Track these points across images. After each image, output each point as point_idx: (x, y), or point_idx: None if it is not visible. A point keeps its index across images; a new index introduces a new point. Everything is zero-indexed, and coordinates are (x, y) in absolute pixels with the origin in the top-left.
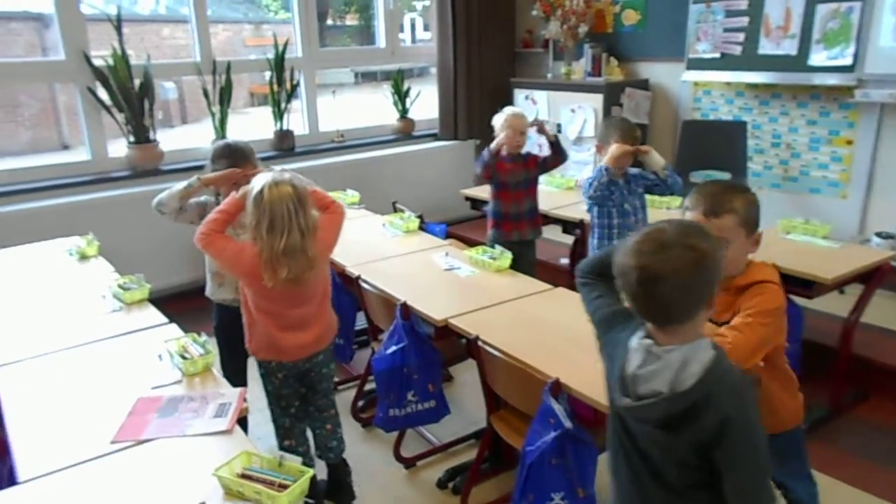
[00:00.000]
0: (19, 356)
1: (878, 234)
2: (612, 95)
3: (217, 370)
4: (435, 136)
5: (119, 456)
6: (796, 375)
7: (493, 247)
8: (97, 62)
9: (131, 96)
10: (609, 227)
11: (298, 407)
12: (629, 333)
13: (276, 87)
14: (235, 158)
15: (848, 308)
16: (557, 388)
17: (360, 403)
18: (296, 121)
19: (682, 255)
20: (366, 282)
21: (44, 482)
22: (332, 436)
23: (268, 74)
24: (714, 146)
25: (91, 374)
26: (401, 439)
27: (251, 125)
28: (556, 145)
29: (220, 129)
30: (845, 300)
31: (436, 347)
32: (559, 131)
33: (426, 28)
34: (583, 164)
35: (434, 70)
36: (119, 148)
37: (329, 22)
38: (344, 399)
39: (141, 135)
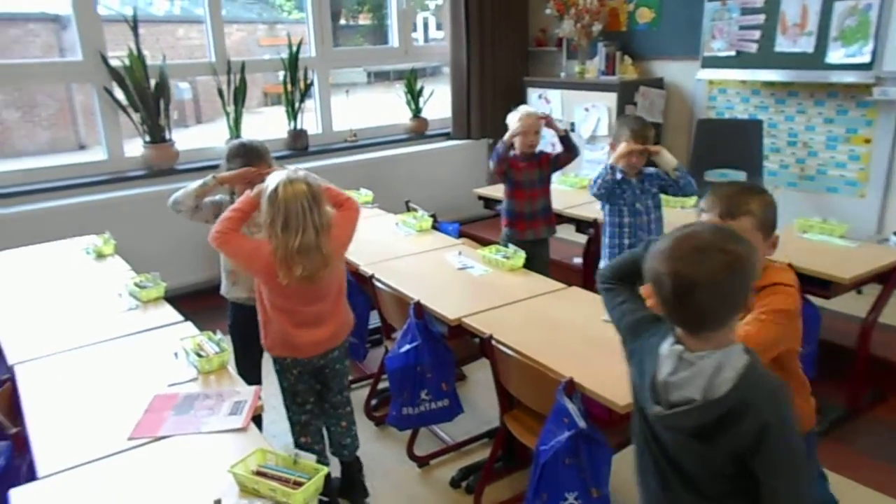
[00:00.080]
0: (38, 353)
1: None
2: (626, 94)
3: (232, 368)
4: (448, 136)
5: (136, 452)
6: (813, 376)
7: (506, 246)
8: (114, 63)
9: (147, 96)
10: (620, 226)
11: (314, 404)
12: (658, 339)
13: (289, 87)
14: (250, 157)
15: (865, 308)
16: (571, 388)
17: (374, 402)
18: (309, 120)
19: (719, 261)
20: (379, 281)
21: (62, 478)
22: (346, 433)
23: (281, 74)
24: (729, 145)
25: (108, 372)
26: (414, 438)
27: (265, 125)
28: (566, 140)
29: (235, 129)
30: (863, 300)
31: (449, 346)
32: (572, 130)
33: (439, 27)
34: (596, 164)
35: (447, 69)
36: (135, 147)
37: (342, 22)
38: (357, 397)
39: (157, 134)
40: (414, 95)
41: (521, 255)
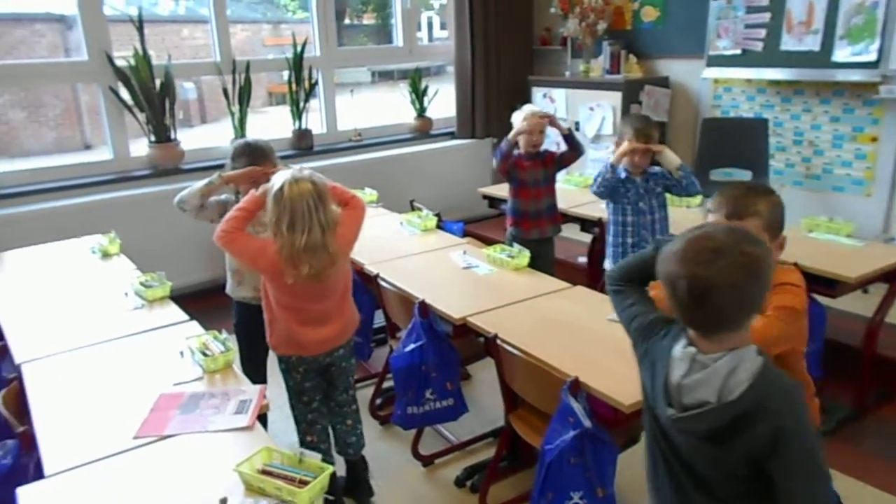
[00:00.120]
0: (45, 352)
1: None
2: (631, 93)
3: (237, 367)
4: (452, 135)
5: (142, 451)
6: (819, 375)
7: (511, 245)
8: (119, 63)
9: (152, 96)
10: (623, 225)
11: (320, 402)
12: (670, 341)
13: (294, 87)
14: (255, 156)
15: (872, 308)
16: (576, 387)
17: (378, 401)
18: (314, 120)
19: (736, 263)
20: (384, 280)
21: (69, 476)
22: (352, 431)
23: (286, 74)
24: (735, 144)
25: (114, 370)
26: (419, 437)
27: (270, 124)
28: (570, 138)
29: (240, 129)
30: (869, 300)
31: (454, 346)
32: (577, 129)
33: (443, 26)
34: (601, 163)
35: (451, 68)
36: (140, 147)
37: (346, 21)
38: (362, 397)
39: (162, 134)
40: (418, 95)
41: (526, 255)
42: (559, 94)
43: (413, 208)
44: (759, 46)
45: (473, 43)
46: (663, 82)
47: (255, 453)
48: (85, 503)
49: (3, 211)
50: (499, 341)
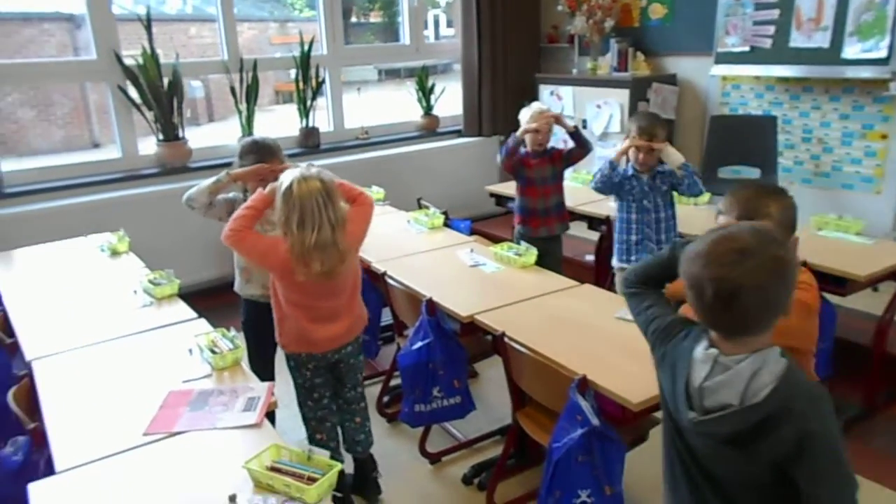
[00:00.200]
0: (55, 349)
1: None
2: (639, 90)
3: (245, 365)
4: (459, 133)
5: (151, 448)
6: (829, 374)
7: (518, 243)
8: (127, 61)
9: (160, 95)
10: (628, 222)
11: (330, 399)
12: (691, 343)
13: (301, 85)
14: (263, 154)
15: (882, 306)
16: (584, 385)
17: (386, 399)
18: (321, 118)
19: (764, 264)
20: (391, 278)
21: (80, 472)
22: (360, 429)
23: (293, 72)
24: (743, 141)
25: (123, 368)
26: (426, 435)
27: (277, 122)
28: (576, 136)
29: (247, 127)
30: (879, 298)
31: (461, 343)
32: (584, 127)
33: (450, 24)
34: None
35: (458, 66)
36: (149, 146)
37: (353, 19)
38: (369, 394)
39: (170, 133)
40: (425, 93)
41: (534, 253)
42: (566, 91)
43: (420, 206)
44: (767, 43)
45: (480, 41)
46: (671, 80)
47: (263, 450)
48: (95, 499)
49: (13, 209)
50: (506, 339)
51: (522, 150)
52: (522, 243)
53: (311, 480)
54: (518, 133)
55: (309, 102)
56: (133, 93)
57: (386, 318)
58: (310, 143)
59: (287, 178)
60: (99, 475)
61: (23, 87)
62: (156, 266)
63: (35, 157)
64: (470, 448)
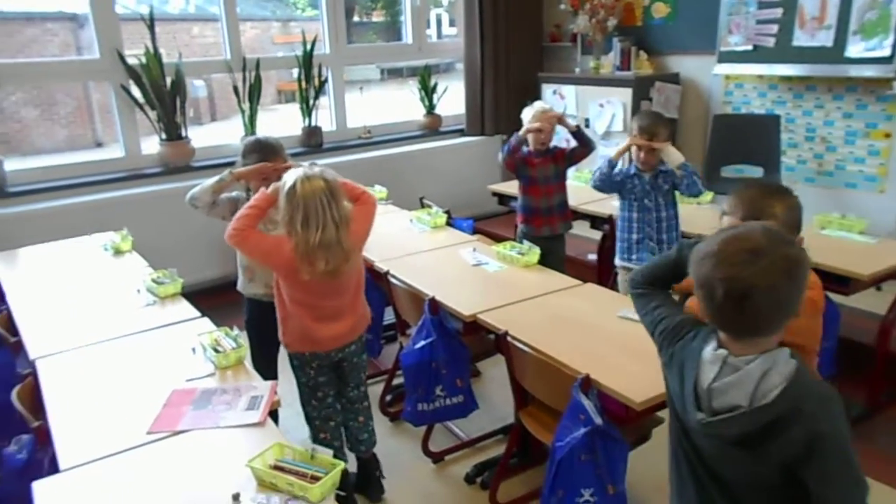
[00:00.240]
0: (59, 348)
1: None
2: (642, 89)
3: (248, 363)
4: (462, 132)
5: (155, 446)
6: (832, 373)
7: (521, 242)
8: (130, 61)
9: (163, 94)
10: (629, 221)
11: (334, 398)
12: (699, 344)
13: (304, 84)
14: (265, 153)
15: (885, 305)
16: (587, 384)
17: (389, 398)
18: (323, 117)
19: (777, 266)
20: (394, 277)
21: (84, 471)
22: (363, 428)
23: (296, 71)
24: (746, 140)
25: (127, 366)
26: (429, 434)
27: (279, 122)
28: (579, 135)
29: (250, 126)
30: (882, 297)
31: (464, 342)
32: (587, 126)
33: (452, 23)
34: None
35: (460, 65)
36: (151, 145)
37: (356, 19)
38: (372, 393)
39: (173, 132)
40: (428, 92)
41: (536, 252)
42: (569, 90)
43: (423, 205)
44: (770, 42)
45: (483, 40)
46: (674, 79)
47: (266, 449)
48: (99, 497)
49: (17, 209)
50: (509, 338)
51: (525, 149)
52: (525, 242)
53: (315, 479)
54: (521, 132)
55: (311, 102)
56: (136, 92)
57: (389, 317)
58: (312, 142)
59: (290, 177)
60: (102, 474)
61: (26, 87)
62: (159, 265)
63: (38, 157)
64: (473, 447)
